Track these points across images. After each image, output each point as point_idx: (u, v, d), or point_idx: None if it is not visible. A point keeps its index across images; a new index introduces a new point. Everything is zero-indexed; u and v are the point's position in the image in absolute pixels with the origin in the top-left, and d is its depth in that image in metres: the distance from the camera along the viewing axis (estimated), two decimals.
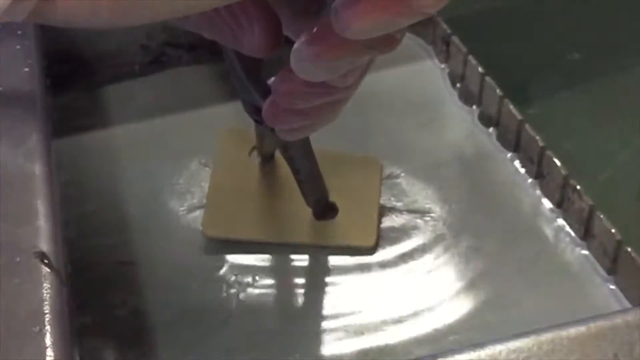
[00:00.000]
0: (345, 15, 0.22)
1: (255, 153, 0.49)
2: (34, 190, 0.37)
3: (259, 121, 0.37)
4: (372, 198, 0.48)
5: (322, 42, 0.24)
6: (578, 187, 0.46)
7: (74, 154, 0.52)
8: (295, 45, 0.24)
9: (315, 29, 0.24)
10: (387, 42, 0.24)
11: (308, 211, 0.46)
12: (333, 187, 0.46)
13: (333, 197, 0.46)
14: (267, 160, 0.49)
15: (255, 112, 0.36)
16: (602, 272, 0.45)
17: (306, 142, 0.42)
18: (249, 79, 0.35)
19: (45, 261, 0.34)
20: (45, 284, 0.33)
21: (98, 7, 0.22)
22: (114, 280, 0.45)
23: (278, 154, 0.48)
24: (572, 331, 0.31)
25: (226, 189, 0.48)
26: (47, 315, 0.32)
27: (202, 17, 0.27)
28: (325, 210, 0.46)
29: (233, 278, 0.45)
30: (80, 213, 0.49)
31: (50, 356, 0.31)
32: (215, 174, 0.49)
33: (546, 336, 0.31)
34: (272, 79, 0.29)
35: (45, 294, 0.33)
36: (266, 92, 0.32)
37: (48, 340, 0.31)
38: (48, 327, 0.32)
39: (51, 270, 0.34)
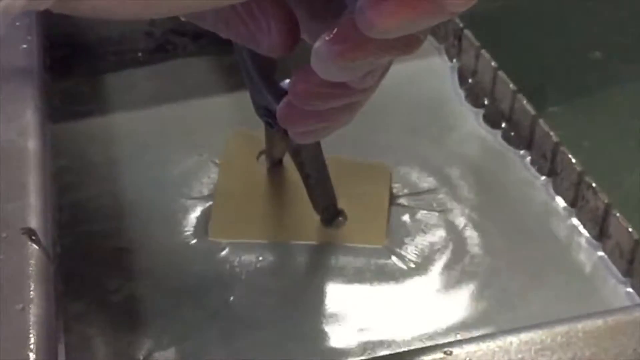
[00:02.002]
0: (371, 13, 0.21)
1: (263, 157, 0.49)
2: (26, 166, 0.37)
3: (270, 123, 0.37)
4: (381, 205, 0.47)
5: (344, 41, 0.23)
6: (593, 184, 0.45)
7: (72, 140, 0.51)
8: (317, 45, 0.24)
9: (337, 28, 0.23)
10: (410, 43, 0.24)
11: (316, 217, 0.45)
12: (342, 194, 0.45)
13: (342, 204, 0.45)
14: (275, 165, 0.48)
15: (267, 114, 0.36)
16: (618, 274, 0.44)
17: (317, 147, 0.42)
18: (263, 81, 0.35)
19: (33, 237, 0.33)
20: (31, 261, 0.32)
21: None
22: (109, 266, 0.44)
23: (286, 159, 0.47)
24: (589, 324, 0.30)
25: (233, 194, 0.47)
26: (32, 293, 0.31)
27: (219, 15, 0.27)
28: (333, 216, 0.45)
29: (232, 265, 0.44)
30: (77, 199, 0.48)
31: (33, 335, 0.30)
32: (222, 178, 0.48)
33: (560, 328, 0.30)
34: (286, 81, 0.29)
35: (30, 271, 0.32)
36: (279, 94, 0.32)
37: (32, 318, 0.30)
38: (32, 306, 0.31)
39: (39, 247, 0.33)
